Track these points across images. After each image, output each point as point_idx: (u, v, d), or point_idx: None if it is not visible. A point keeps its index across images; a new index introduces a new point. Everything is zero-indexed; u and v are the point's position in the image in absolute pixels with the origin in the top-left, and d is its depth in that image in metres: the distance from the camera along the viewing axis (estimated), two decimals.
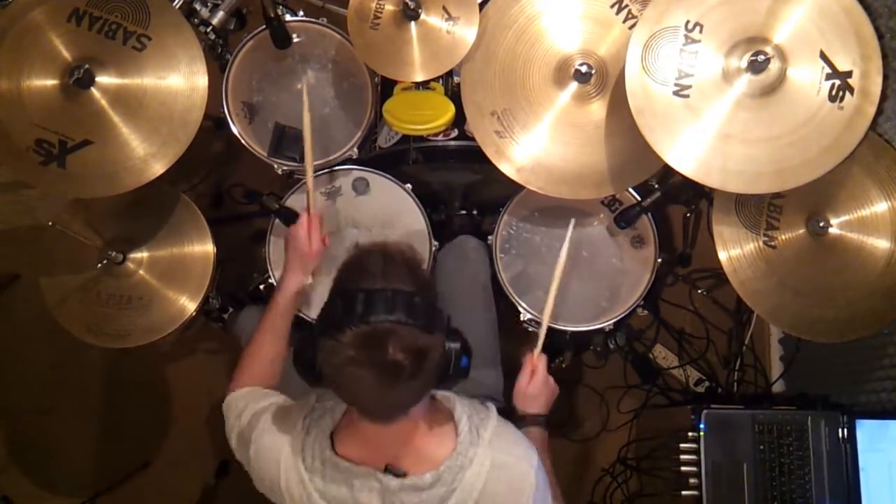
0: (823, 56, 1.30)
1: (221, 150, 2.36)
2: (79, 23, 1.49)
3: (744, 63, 1.32)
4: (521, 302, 1.71)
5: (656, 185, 1.61)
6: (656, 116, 1.33)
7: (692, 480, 1.72)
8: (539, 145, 1.49)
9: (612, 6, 1.48)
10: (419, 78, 1.50)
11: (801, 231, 1.51)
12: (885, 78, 1.30)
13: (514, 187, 1.59)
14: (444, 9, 1.47)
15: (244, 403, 1.27)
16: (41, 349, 2.27)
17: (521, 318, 1.71)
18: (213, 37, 1.64)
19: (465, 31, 1.47)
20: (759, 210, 1.50)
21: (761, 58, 1.29)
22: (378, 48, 1.51)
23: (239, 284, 2.00)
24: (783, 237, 1.51)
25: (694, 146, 1.32)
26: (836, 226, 1.50)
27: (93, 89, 1.48)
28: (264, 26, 1.62)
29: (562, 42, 1.49)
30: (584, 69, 1.47)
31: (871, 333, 1.51)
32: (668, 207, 2.15)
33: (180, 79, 1.50)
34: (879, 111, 1.34)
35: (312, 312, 1.68)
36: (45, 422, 2.31)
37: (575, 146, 1.50)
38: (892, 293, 1.48)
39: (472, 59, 1.49)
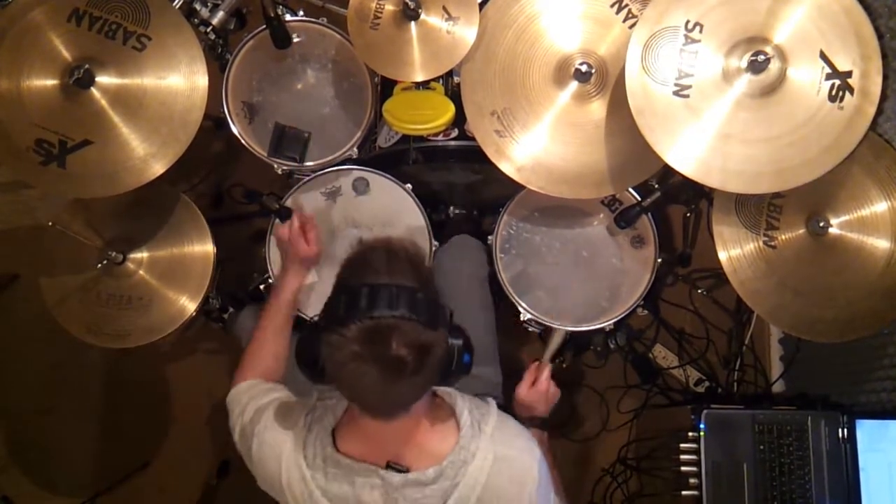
0: (823, 56, 1.30)
1: (221, 150, 2.36)
2: (79, 23, 1.49)
3: (744, 63, 1.32)
4: (520, 302, 1.71)
5: (656, 185, 1.61)
6: (656, 116, 1.33)
7: (692, 480, 1.72)
8: (539, 145, 1.49)
9: (612, 6, 1.48)
10: (419, 78, 1.50)
11: (801, 231, 1.51)
12: (885, 78, 1.30)
13: (513, 187, 1.59)
14: (444, 9, 1.47)
15: (247, 398, 1.27)
16: (41, 349, 2.26)
17: (521, 318, 1.71)
18: (213, 37, 1.64)
19: (465, 31, 1.47)
20: (759, 210, 1.50)
21: (761, 58, 1.29)
22: (378, 48, 1.51)
23: (239, 284, 2.00)
24: (783, 237, 1.51)
25: (694, 146, 1.32)
26: (836, 226, 1.50)
27: (93, 89, 1.48)
28: (264, 26, 1.62)
29: (562, 42, 1.49)
30: (584, 69, 1.46)
31: (871, 333, 1.51)
32: (668, 207, 2.16)
33: (180, 79, 1.50)
34: (879, 111, 1.34)
35: (311, 312, 1.68)
36: (45, 422, 2.31)
37: (575, 146, 1.49)
38: (892, 293, 1.47)
39: (472, 58, 1.49)
